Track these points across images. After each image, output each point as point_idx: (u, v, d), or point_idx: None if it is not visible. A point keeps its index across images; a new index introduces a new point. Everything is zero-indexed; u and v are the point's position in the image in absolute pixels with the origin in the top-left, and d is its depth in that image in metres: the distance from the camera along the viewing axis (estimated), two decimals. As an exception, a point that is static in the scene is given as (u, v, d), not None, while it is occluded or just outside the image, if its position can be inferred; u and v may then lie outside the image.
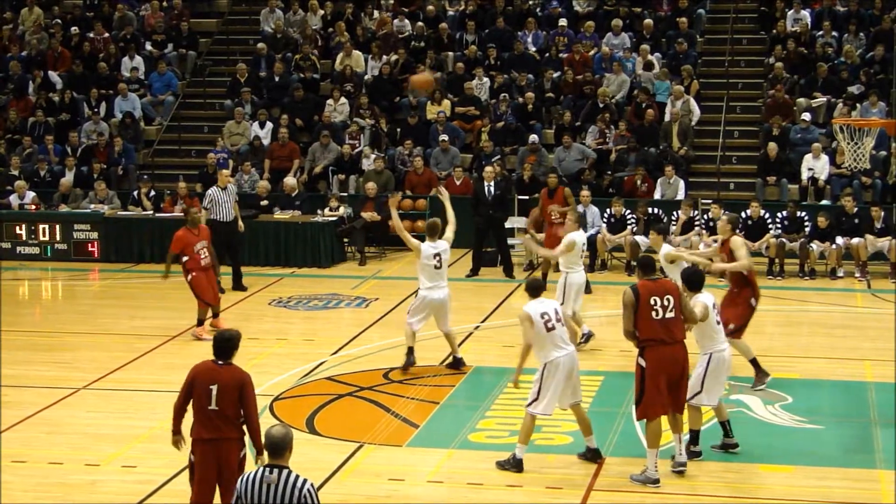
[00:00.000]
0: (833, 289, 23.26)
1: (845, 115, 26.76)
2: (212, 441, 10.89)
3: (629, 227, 24.74)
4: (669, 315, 13.14)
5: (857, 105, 27.56)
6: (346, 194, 27.55)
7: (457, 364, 17.61)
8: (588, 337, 18.47)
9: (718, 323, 13.82)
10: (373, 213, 25.98)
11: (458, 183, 27.05)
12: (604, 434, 14.50)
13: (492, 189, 24.48)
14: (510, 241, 25.40)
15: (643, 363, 13.17)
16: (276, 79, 31.10)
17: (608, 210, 25.06)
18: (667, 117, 28.37)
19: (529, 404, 13.55)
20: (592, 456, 13.80)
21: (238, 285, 23.19)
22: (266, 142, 29.31)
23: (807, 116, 27.66)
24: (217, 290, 20.19)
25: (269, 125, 29.59)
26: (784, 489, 13.22)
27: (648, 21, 31.14)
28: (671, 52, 30.32)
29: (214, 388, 10.86)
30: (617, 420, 15.12)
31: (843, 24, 30.55)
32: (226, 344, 11.09)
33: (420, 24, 32.21)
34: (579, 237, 18.30)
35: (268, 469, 9.04)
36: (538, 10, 32.43)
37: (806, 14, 30.97)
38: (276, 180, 27.71)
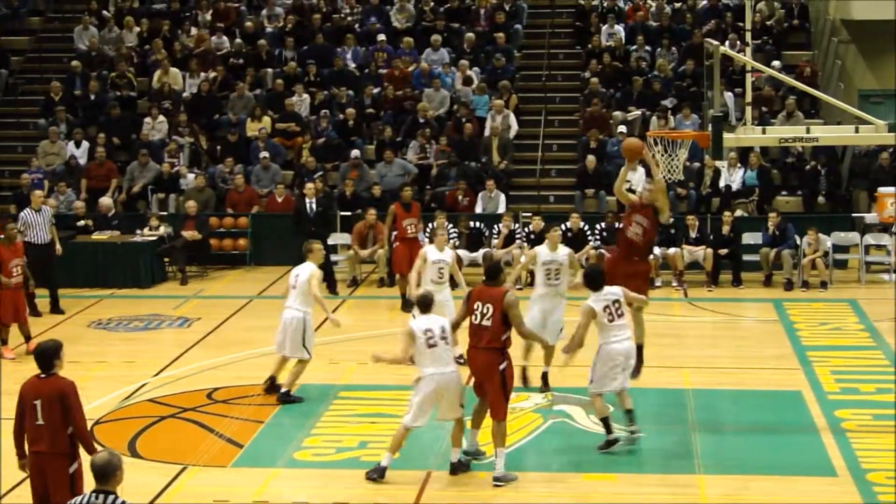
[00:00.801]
0: (651, 298, 23.56)
1: (662, 127, 27.32)
2: (40, 455, 10.88)
3: (451, 241, 24.87)
4: (485, 322, 13.63)
5: (671, 117, 28.16)
6: (165, 213, 27.17)
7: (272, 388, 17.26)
8: None
9: (611, 321, 14.46)
10: (193, 231, 25.66)
11: (279, 200, 26.93)
12: (430, 448, 14.58)
13: (313, 206, 24.40)
14: (333, 257, 25.34)
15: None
16: (92, 97, 30.59)
17: (430, 225, 25.15)
18: (486, 132, 28.62)
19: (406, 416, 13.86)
20: (455, 468, 14.00)
21: (55, 309, 22.72)
22: (82, 161, 28.79)
23: (623, 129, 28.16)
24: (24, 309, 19.77)
25: (86, 144, 29.05)
26: (607, 497, 13.39)
27: (470, 35, 31.38)
28: (489, 68, 30.61)
29: (38, 402, 10.85)
30: (444, 434, 15.16)
31: (656, 38, 31.19)
32: (42, 355, 11.06)
33: (238, 40, 31.98)
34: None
35: (94, 495, 8.97)
36: (357, 26, 32.46)
37: (620, 29, 31.55)
38: (93, 200, 27.19)
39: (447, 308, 17.30)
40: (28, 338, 19.54)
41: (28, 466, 11.12)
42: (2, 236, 20.31)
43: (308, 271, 16.90)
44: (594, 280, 14.59)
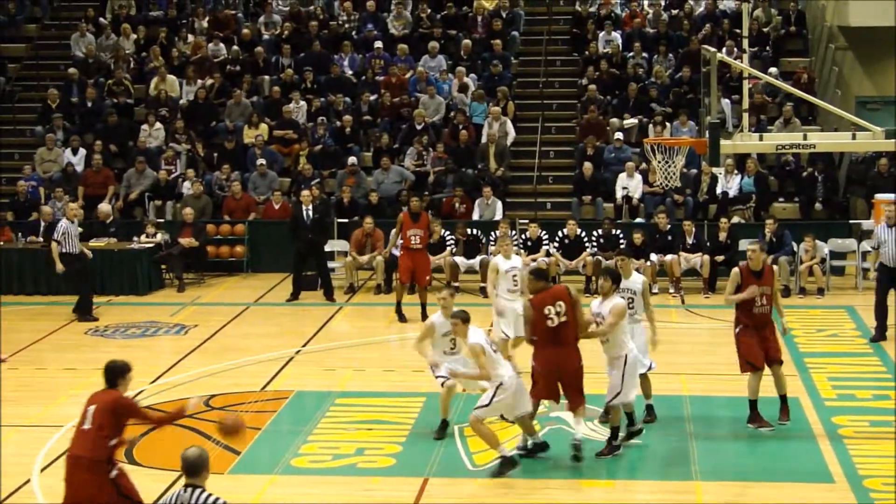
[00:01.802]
0: (648, 305, 23.62)
1: (659, 134, 27.36)
2: (80, 458, 11.12)
3: (448, 248, 24.88)
4: (563, 319, 14.13)
5: (668, 124, 28.17)
6: (163, 220, 27.18)
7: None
8: None
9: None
10: (190, 238, 25.65)
11: (276, 207, 26.92)
12: (426, 455, 14.57)
13: (310, 213, 24.36)
14: (330, 264, 25.32)
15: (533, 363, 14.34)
16: (89, 104, 30.59)
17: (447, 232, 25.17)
18: (483, 138, 28.63)
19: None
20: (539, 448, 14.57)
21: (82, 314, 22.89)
22: (79, 168, 28.79)
23: (620, 136, 28.19)
24: None
25: (83, 151, 29.07)
26: (604, 503, 13.40)
27: (467, 42, 31.40)
28: (486, 74, 30.62)
29: (92, 408, 11.18)
30: (440, 441, 15.15)
31: (653, 45, 31.22)
32: (109, 371, 11.40)
33: (235, 48, 31.98)
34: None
35: (185, 489, 9.40)
36: (354, 33, 32.47)
37: (617, 36, 31.57)
38: (90, 207, 27.16)
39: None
40: None
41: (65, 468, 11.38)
42: None
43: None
44: (614, 274, 14.89)
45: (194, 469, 9.47)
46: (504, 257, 18.06)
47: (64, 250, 22.59)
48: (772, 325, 15.69)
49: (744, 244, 24.61)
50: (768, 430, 15.45)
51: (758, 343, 15.50)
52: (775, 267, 16.12)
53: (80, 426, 11.21)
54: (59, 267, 22.60)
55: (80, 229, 23.19)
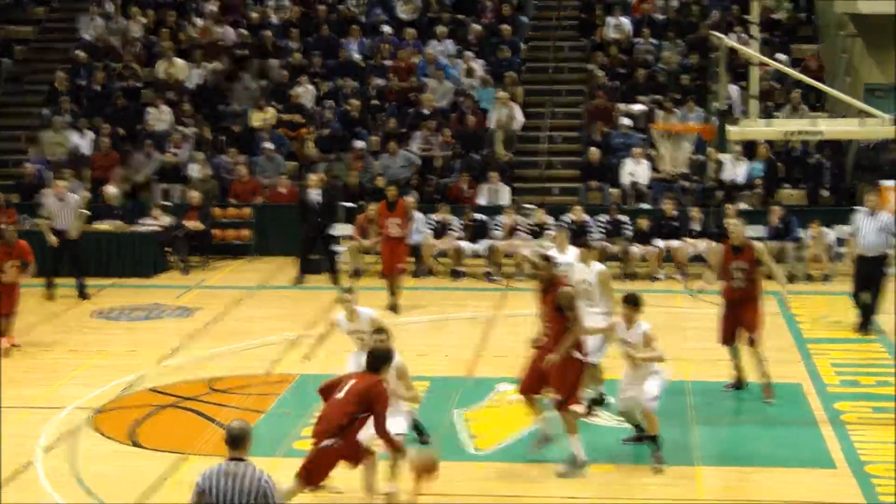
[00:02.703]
0: (654, 290, 23.62)
1: (667, 120, 27.32)
2: (328, 424, 11.80)
3: (454, 232, 24.89)
4: None
5: (676, 110, 28.11)
6: (170, 203, 27.19)
7: None
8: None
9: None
10: (196, 222, 25.67)
11: (283, 191, 26.93)
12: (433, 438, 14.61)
13: (317, 196, 24.35)
14: (337, 248, 25.32)
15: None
16: (97, 87, 30.58)
17: (433, 216, 25.18)
18: (491, 124, 28.59)
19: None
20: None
21: (82, 294, 23.03)
22: (87, 151, 28.79)
23: (627, 122, 28.14)
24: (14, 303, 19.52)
25: (90, 134, 29.08)
26: (601, 488, 13.38)
27: (476, 27, 31.35)
28: (494, 59, 30.57)
29: (351, 382, 11.72)
30: (443, 424, 15.18)
31: (662, 31, 31.16)
32: (371, 358, 11.96)
33: (243, 31, 31.96)
34: None
35: (234, 462, 9.39)
36: (362, 17, 32.44)
37: (626, 21, 31.52)
38: (97, 190, 27.19)
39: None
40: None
41: None
42: None
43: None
44: (634, 301, 14.26)
45: (239, 441, 9.43)
46: (559, 251, 17.18)
47: (53, 226, 22.91)
48: (752, 302, 16.09)
49: (749, 231, 24.70)
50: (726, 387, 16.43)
51: (728, 320, 16.27)
52: (759, 245, 16.17)
53: (335, 394, 11.68)
54: (52, 240, 22.74)
55: (83, 210, 23.20)
